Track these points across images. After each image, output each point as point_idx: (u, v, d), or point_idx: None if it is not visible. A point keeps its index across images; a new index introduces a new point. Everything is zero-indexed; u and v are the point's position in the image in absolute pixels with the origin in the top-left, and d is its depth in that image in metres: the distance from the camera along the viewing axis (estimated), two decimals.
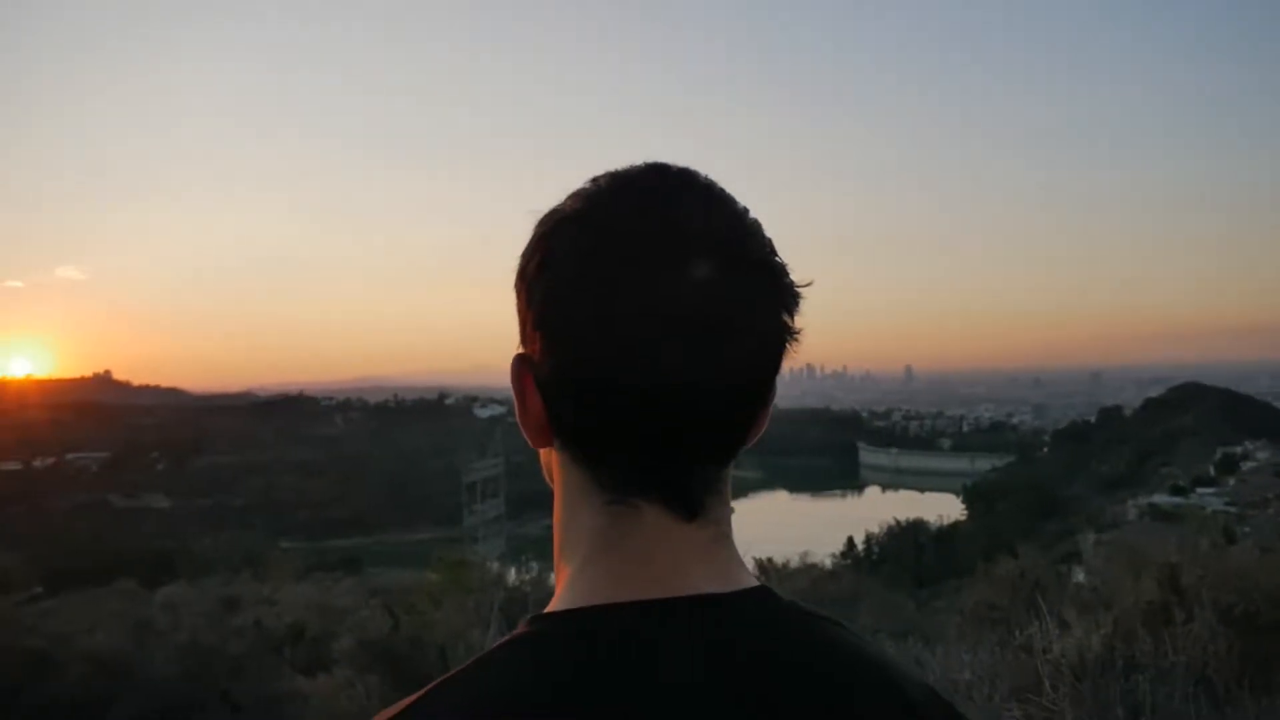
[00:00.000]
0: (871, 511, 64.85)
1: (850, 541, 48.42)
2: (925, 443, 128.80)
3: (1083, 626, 4.33)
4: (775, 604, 0.71)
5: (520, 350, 0.72)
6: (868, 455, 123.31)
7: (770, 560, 14.39)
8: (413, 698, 0.65)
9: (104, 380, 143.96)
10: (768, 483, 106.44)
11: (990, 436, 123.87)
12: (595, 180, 0.72)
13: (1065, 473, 78.04)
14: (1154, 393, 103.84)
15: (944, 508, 65.50)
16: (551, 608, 0.70)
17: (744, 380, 0.69)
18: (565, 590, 0.71)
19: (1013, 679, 4.02)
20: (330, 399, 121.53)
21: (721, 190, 0.73)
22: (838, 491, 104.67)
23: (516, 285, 0.72)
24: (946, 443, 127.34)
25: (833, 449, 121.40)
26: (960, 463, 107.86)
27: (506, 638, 0.68)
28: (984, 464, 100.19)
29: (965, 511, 67.36)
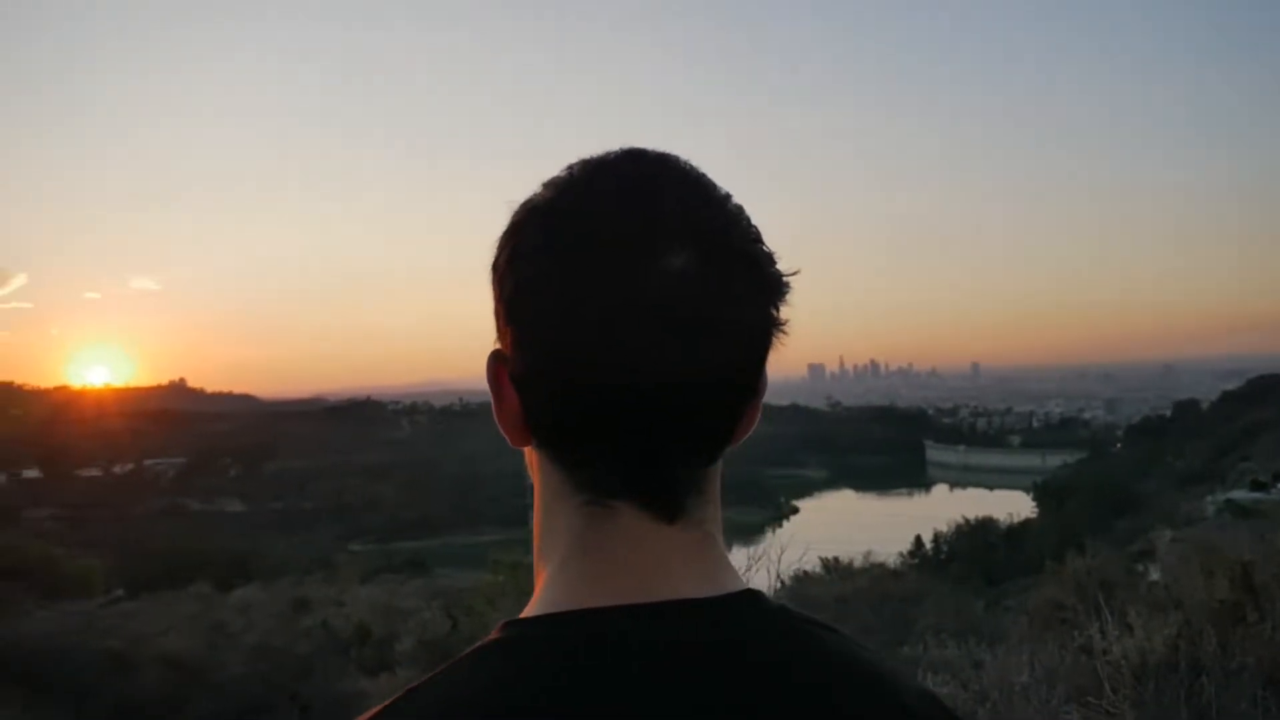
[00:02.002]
0: (939, 510, 63.84)
1: (918, 540, 47.77)
2: (993, 440, 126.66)
3: (1146, 627, 4.22)
4: (763, 609, 0.68)
5: (496, 345, 0.70)
6: (935, 453, 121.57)
7: (836, 559, 14.31)
8: (384, 703, 0.63)
9: (179, 388, 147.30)
10: (833, 482, 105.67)
11: (1061, 432, 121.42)
12: (570, 168, 0.69)
13: (1139, 469, 76.16)
14: (1230, 385, 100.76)
15: (1014, 505, 64.23)
16: (527, 612, 0.67)
17: (725, 375, 0.66)
18: (541, 594, 0.68)
19: (1072, 681, 3.94)
20: (397, 403, 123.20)
21: (701, 176, 0.69)
22: (904, 490, 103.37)
23: (491, 278, 0.69)
24: (1016, 439, 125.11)
25: (899, 447, 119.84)
26: (1030, 459, 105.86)
27: (480, 643, 0.65)
28: (1055, 460, 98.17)
29: (1036, 509, 66.10)
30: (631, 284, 0.62)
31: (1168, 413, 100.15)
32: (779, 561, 8.56)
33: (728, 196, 0.69)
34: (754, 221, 0.69)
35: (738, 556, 8.96)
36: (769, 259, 0.68)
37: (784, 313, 0.69)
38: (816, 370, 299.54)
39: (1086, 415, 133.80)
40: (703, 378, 0.64)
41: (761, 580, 8.64)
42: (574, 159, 0.69)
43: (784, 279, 0.69)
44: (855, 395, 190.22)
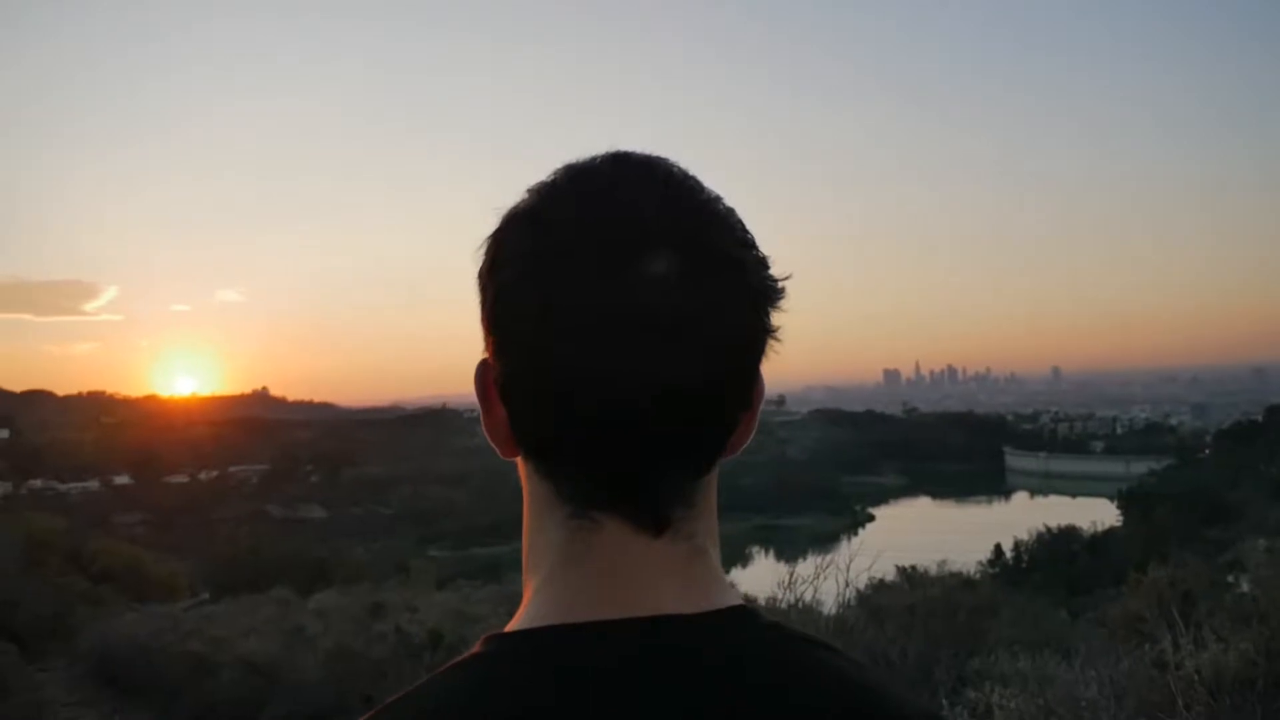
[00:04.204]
0: (1020, 517, 62.49)
1: (998, 549, 46.87)
2: (1076, 446, 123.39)
3: (1226, 640, 4.08)
4: (753, 625, 0.65)
5: (485, 355, 0.68)
6: (1014, 460, 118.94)
7: (914, 568, 14.11)
8: (363, 718, 0.62)
9: (262, 396, 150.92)
10: (910, 489, 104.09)
11: (1146, 438, 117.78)
12: (554, 172, 0.68)
13: (1230, 476, 73.67)
14: None
15: (1098, 513, 62.53)
16: (511, 627, 0.66)
17: (710, 383, 0.63)
18: (525, 609, 0.67)
19: (1143, 696, 3.81)
20: (472, 411, 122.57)
21: (686, 178, 0.67)
22: (983, 497, 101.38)
23: (477, 285, 0.68)
24: (1098, 445, 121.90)
25: (977, 454, 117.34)
26: (1114, 466, 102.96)
27: (460, 658, 0.65)
28: (1140, 467, 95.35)
29: (1121, 517, 64.44)
30: (610, 290, 0.61)
31: (1259, 417, 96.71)
32: (848, 570, 8.48)
33: (716, 199, 0.67)
34: (748, 225, 0.67)
35: (808, 565, 8.87)
36: (758, 263, 0.66)
37: (778, 319, 0.67)
38: (892, 376, 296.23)
39: (1173, 420, 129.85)
40: (686, 386, 0.62)
41: (830, 589, 8.56)
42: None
43: (775, 284, 0.66)
44: (932, 401, 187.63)
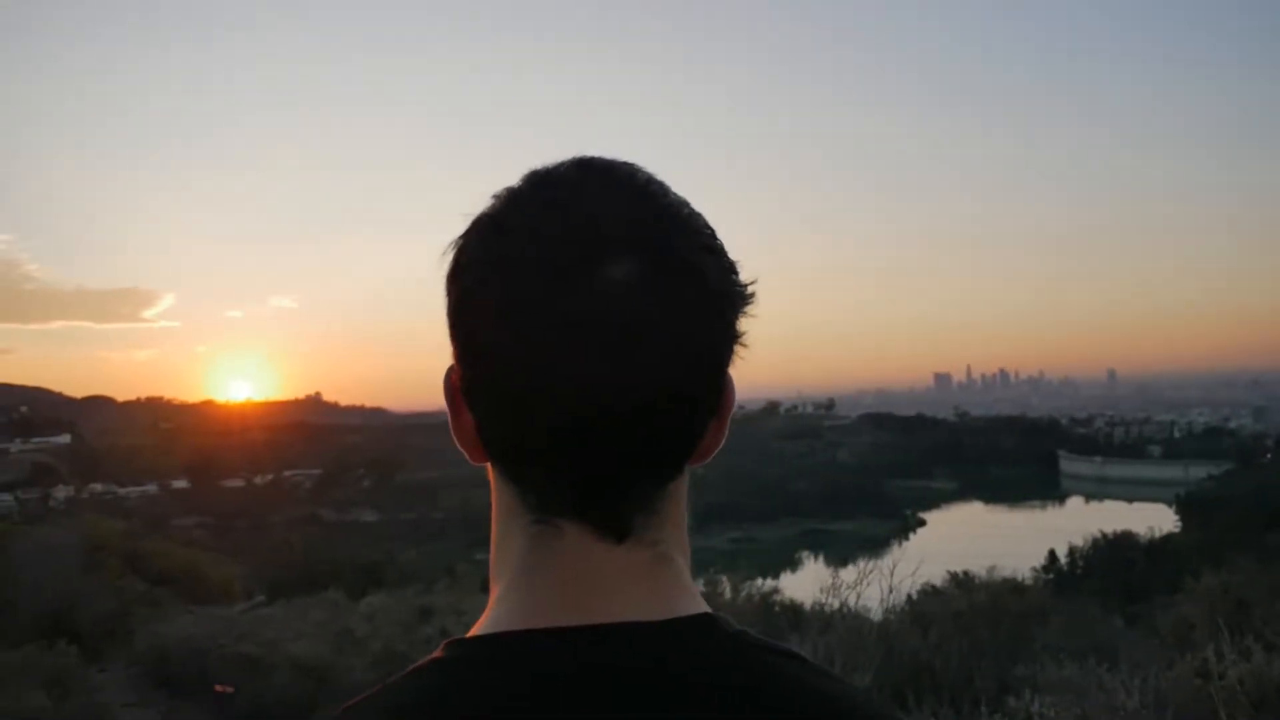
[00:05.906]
0: (1075, 523, 61.56)
1: (1052, 554, 46.20)
2: (1132, 450, 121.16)
3: (1271, 649, 3.99)
4: (716, 634, 0.65)
5: (452, 360, 0.68)
6: (1069, 464, 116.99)
7: (966, 573, 13.95)
8: None
9: (315, 402, 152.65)
10: (962, 494, 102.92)
11: (1205, 442, 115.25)
12: (520, 178, 0.68)
13: None
14: None
15: (1155, 519, 61.45)
16: (473, 632, 0.66)
17: (667, 389, 0.62)
18: (487, 614, 0.67)
19: (1185, 706, 3.75)
20: None
21: (651, 183, 0.67)
22: (1037, 502, 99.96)
23: (444, 292, 0.68)
24: (1156, 450, 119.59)
25: (1031, 458, 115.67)
26: (1173, 471, 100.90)
27: (419, 662, 0.65)
28: (1199, 472, 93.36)
29: (1179, 523, 63.15)
30: (569, 296, 0.60)
31: None
32: (892, 575, 8.41)
33: (680, 204, 0.66)
34: (716, 230, 0.67)
35: (856, 571, 8.81)
36: (722, 269, 0.65)
37: (745, 324, 0.66)
38: (943, 379, 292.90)
39: (1233, 424, 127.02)
40: (646, 393, 0.61)
41: (876, 594, 8.50)
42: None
43: (739, 289, 0.66)
44: (984, 405, 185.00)
